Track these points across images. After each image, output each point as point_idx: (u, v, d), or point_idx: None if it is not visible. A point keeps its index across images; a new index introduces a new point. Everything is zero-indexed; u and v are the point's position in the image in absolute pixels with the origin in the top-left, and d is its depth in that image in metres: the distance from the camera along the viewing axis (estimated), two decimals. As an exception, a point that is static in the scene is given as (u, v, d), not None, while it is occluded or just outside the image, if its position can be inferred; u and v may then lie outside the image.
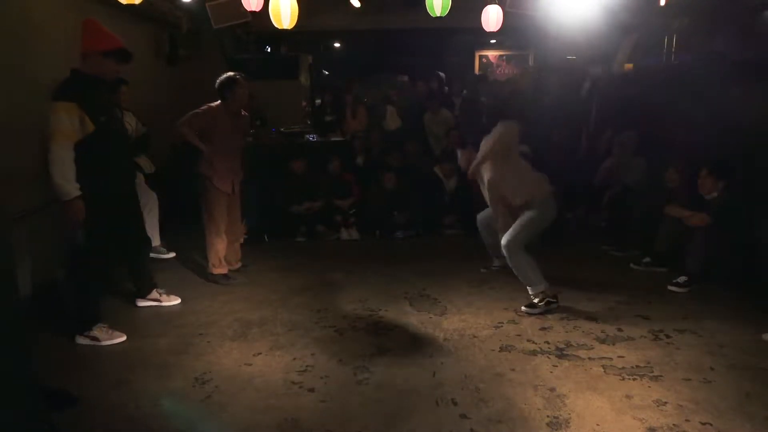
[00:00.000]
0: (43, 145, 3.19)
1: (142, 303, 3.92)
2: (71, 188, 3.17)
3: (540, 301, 3.77)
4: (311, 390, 2.85)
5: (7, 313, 1.70)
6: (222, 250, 4.38)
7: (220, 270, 4.39)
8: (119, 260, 3.79)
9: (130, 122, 4.91)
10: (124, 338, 3.44)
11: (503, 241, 3.80)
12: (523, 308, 3.79)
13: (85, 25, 3.30)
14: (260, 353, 3.25)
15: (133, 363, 3.15)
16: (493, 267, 4.60)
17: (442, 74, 8.32)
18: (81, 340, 3.39)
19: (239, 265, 4.64)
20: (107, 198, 3.36)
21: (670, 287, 4.14)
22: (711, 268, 4.12)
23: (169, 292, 4.01)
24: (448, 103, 7.62)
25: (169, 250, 5.01)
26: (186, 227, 5.08)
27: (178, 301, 3.98)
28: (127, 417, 2.64)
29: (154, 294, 3.93)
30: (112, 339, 3.40)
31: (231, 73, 4.31)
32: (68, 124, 3.11)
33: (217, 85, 4.27)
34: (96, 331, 3.39)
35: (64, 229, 4.24)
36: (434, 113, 7.05)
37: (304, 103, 8.92)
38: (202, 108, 4.28)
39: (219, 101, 4.28)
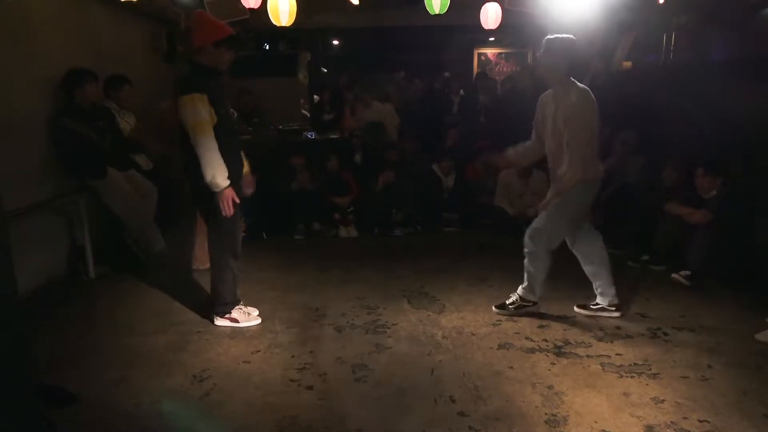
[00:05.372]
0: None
1: (221, 322, 3.59)
2: (225, 179, 3.20)
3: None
4: (310, 388, 2.86)
5: (5, 312, 1.69)
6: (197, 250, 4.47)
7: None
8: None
9: (129, 121, 4.91)
10: (259, 320, 3.60)
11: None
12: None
13: (195, 19, 3.34)
14: (259, 351, 3.25)
15: (132, 360, 3.15)
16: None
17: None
18: (220, 322, 3.54)
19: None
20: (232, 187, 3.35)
21: (674, 275, 4.19)
22: (711, 265, 4.13)
23: (167, 290, 4.00)
24: (447, 101, 7.63)
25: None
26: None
27: (256, 312, 3.71)
28: (126, 414, 2.64)
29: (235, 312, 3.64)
30: (249, 320, 3.58)
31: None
32: (207, 114, 3.14)
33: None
34: (235, 313, 3.55)
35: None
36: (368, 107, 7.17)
37: (302, 101, 8.92)
38: None
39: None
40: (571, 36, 3.37)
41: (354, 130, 6.69)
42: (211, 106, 3.17)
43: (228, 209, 3.25)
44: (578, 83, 3.39)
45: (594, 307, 3.69)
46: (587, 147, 3.34)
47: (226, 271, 3.51)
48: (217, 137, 3.21)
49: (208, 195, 3.26)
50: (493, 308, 3.77)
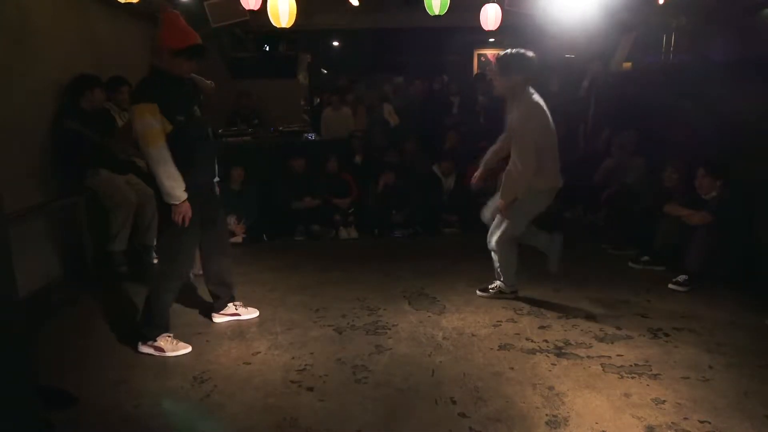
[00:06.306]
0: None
1: (219, 319, 3.66)
2: (180, 191, 3.03)
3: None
4: (310, 389, 2.85)
5: (5, 312, 1.69)
6: None
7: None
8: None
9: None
10: (189, 349, 3.26)
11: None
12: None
13: (163, 19, 3.13)
14: (259, 352, 3.25)
15: (132, 362, 3.15)
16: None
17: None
18: (144, 349, 3.23)
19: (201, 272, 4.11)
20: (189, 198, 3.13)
21: (670, 286, 4.14)
22: (711, 266, 4.12)
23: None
24: (446, 102, 7.64)
25: None
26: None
27: (257, 313, 3.76)
28: (126, 416, 2.64)
29: (231, 308, 3.69)
30: (176, 350, 3.23)
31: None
32: (157, 125, 2.96)
33: None
34: (161, 341, 3.24)
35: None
36: (336, 110, 7.28)
37: (302, 102, 8.93)
38: None
39: None
40: (522, 51, 3.43)
41: (354, 131, 6.69)
42: (163, 115, 2.97)
43: (180, 221, 3.08)
44: (533, 96, 3.49)
45: (492, 289, 4.01)
46: (529, 158, 3.45)
47: (166, 294, 3.28)
48: (178, 145, 3.02)
49: (168, 206, 3.09)
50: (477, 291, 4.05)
